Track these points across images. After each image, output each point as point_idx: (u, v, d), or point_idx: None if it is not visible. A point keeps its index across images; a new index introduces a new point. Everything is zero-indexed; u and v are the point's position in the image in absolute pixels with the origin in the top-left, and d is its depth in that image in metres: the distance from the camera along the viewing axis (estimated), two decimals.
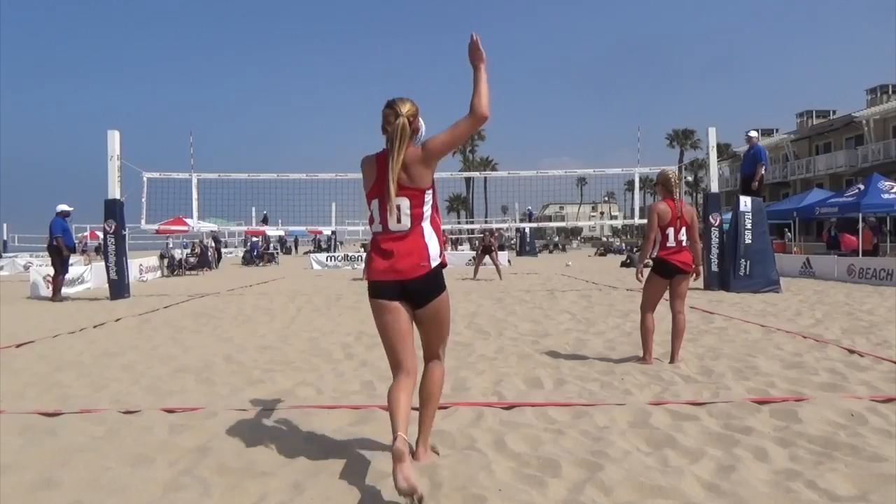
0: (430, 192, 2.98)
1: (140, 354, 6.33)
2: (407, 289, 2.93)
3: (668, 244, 5.21)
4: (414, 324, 3.03)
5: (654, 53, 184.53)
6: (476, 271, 17.28)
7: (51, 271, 12.68)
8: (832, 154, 39.54)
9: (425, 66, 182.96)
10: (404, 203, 2.91)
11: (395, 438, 2.66)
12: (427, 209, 2.95)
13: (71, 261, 16.62)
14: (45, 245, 13.41)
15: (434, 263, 2.93)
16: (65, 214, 12.70)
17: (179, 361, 5.93)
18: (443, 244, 3.05)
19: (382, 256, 2.93)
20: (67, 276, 13.16)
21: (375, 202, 2.98)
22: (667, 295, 5.53)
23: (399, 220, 2.91)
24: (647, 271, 5.54)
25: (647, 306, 5.49)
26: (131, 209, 13.09)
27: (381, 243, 2.96)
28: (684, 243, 5.23)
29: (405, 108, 2.98)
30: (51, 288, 12.45)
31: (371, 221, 3.03)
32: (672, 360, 5.45)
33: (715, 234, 12.44)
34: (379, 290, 2.96)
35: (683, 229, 5.21)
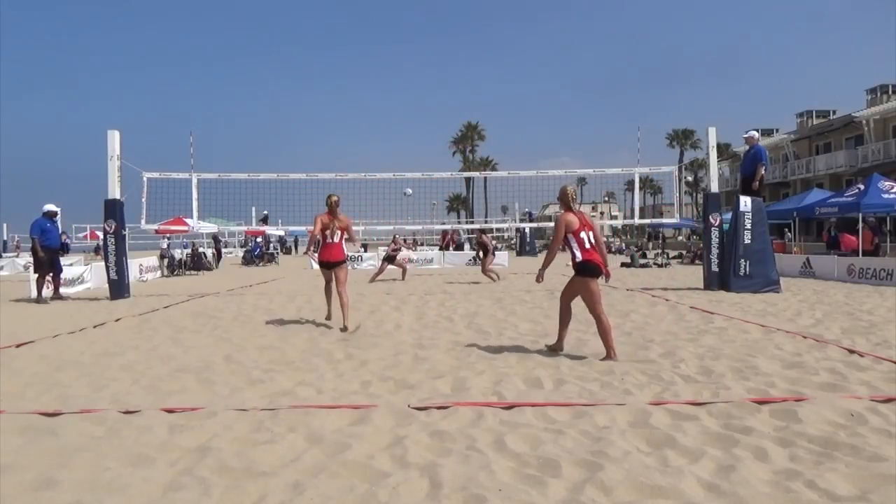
0: (347, 230, 7.81)
1: (140, 354, 6.33)
2: (332, 264, 7.83)
3: (586, 246, 5.66)
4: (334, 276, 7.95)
5: (654, 53, 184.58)
6: (486, 272, 15.52)
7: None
8: (832, 154, 39.57)
9: (426, 68, 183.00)
10: (339, 233, 7.76)
11: (329, 312, 8.44)
12: (343, 235, 7.82)
13: (69, 261, 16.57)
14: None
15: (344, 257, 7.92)
16: (50, 215, 12.27)
17: (179, 361, 5.93)
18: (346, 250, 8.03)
19: (328, 251, 7.80)
20: (64, 276, 13.08)
21: (328, 231, 7.72)
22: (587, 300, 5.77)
23: (335, 238, 7.77)
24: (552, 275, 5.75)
25: (567, 299, 5.93)
26: (131, 209, 13.09)
27: (328, 247, 7.81)
28: (594, 243, 5.72)
29: (336, 198, 7.77)
30: (51, 287, 12.39)
31: (323, 237, 7.79)
32: (611, 356, 5.62)
33: (715, 234, 12.44)
34: (324, 264, 7.91)
35: (591, 233, 5.70)
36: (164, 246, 22.69)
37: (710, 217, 12.56)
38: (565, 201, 5.78)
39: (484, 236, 16.55)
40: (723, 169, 45.43)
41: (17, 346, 6.84)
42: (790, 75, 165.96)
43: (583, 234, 5.63)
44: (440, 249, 29.81)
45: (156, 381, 5.10)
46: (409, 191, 15.57)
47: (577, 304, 5.96)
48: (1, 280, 19.64)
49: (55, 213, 12.46)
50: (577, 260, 5.66)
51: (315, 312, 9.69)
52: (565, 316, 6.02)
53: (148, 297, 12.67)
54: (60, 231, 12.54)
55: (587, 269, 5.62)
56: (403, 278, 16.60)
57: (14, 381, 5.16)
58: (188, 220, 19.50)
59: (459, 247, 31.61)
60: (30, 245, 12.73)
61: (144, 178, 13.28)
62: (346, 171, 14.45)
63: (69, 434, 3.73)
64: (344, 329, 7.51)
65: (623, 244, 45.51)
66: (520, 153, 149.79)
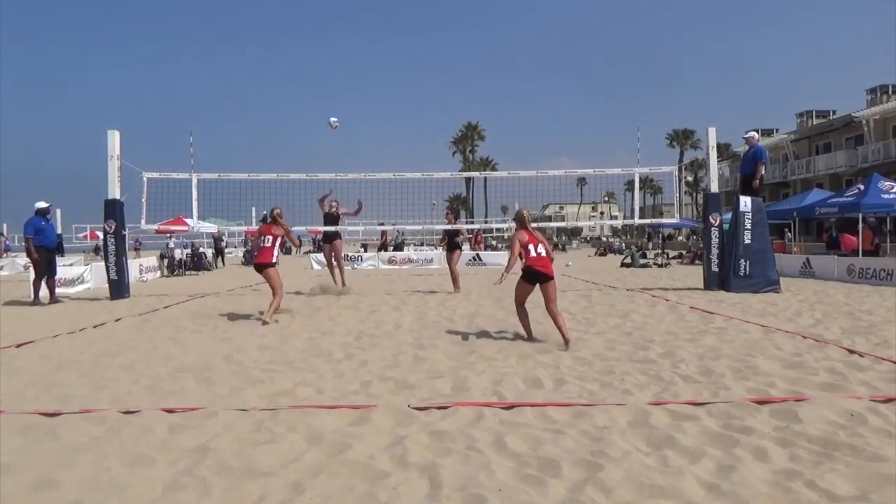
0: (280, 237, 9.00)
1: (140, 354, 6.33)
2: (260, 265, 8.99)
3: (531, 255, 6.75)
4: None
5: (655, 53, 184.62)
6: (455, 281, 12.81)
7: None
8: (832, 154, 39.56)
9: (426, 68, 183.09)
10: (271, 238, 8.94)
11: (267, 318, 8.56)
12: (277, 241, 8.96)
13: (69, 261, 16.51)
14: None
15: (273, 260, 8.92)
16: (43, 212, 11.82)
17: (179, 361, 5.93)
18: (277, 254, 9.03)
19: (257, 254, 9.21)
20: (64, 276, 13.02)
21: (267, 237, 8.96)
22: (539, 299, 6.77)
23: (267, 243, 8.98)
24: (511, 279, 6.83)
25: (519, 301, 7.03)
26: (131, 209, 13.06)
27: (258, 251, 9.28)
28: (543, 254, 6.75)
29: (278, 210, 9.16)
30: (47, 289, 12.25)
31: (261, 241, 9.17)
32: (566, 340, 6.43)
33: (715, 234, 12.43)
34: (256, 266, 9.10)
35: (540, 245, 6.80)
36: (171, 245, 22.70)
37: (710, 217, 12.55)
38: (522, 222, 7.02)
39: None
40: (723, 169, 45.41)
41: (17, 346, 6.84)
42: (790, 75, 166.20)
43: (529, 246, 6.78)
44: (378, 250, 29.20)
45: (156, 381, 5.10)
46: (335, 120, 13.22)
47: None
48: (1, 280, 19.63)
49: (47, 210, 12.01)
50: (524, 265, 6.83)
51: (316, 312, 9.69)
52: (524, 314, 7.10)
53: (148, 297, 12.67)
54: (58, 230, 12.27)
55: (524, 272, 6.80)
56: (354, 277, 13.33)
57: (14, 381, 5.15)
58: (188, 220, 19.50)
59: (398, 247, 31.15)
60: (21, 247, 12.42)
61: (144, 178, 13.25)
62: (347, 172, 14.44)
63: (69, 434, 3.73)
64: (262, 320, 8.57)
65: (623, 244, 45.54)
66: (520, 153, 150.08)
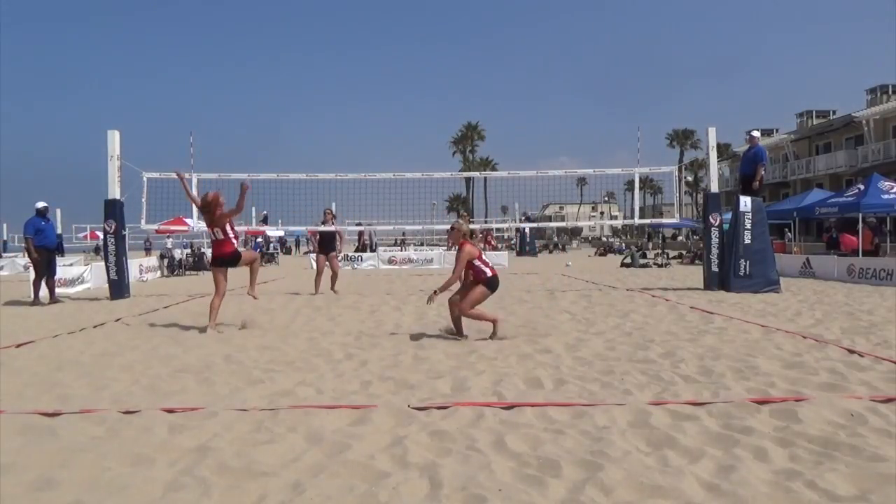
0: (228, 226, 7.89)
1: (140, 354, 6.33)
2: (228, 260, 8.07)
3: (489, 265, 7.01)
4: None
5: (654, 53, 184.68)
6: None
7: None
8: (832, 154, 39.61)
9: (426, 68, 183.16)
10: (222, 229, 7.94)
11: (208, 326, 7.71)
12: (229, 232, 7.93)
13: (69, 261, 16.51)
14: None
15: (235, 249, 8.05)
16: (43, 212, 11.82)
17: (179, 361, 5.93)
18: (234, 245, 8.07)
19: (215, 248, 8.12)
20: (63, 276, 13.00)
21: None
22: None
23: (218, 235, 7.93)
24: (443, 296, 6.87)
25: (478, 306, 6.95)
26: (131, 209, 13.07)
27: (217, 244, 8.04)
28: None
29: (211, 197, 7.85)
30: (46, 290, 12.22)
31: (212, 235, 8.04)
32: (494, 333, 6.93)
33: (715, 234, 12.43)
34: (226, 261, 8.05)
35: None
36: (169, 245, 22.72)
37: (710, 217, 12.56)
38: (466, 235, 7.04)
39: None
40: (723, 169, 45.43)
41: (17, 346, 6.84)
42: (790, 75, 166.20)
43: (484, 259, 7.00)
44: (356, 251, 28.70)
45: (156, 381, 5.10)
46: None
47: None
48: (1, 280, 19.63)
49: (47, 210, 11.99)
50: (489, 276, 6.88)
51: (316, 312, 9.70)
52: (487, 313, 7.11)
53: (148, 297, 12.67)
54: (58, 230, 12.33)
55: (492, 283, 6.90)
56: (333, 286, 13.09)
57: (14, 381, 5.15)
58: (188, 220, 19.50)
59: (373, 248, 30.62)
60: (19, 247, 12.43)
61: (144, 179, 13.26)
62: (347, 172, 14.45)
63: (69, 434, 3.73)
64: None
65: (623, 244, 45.56)
66: (520, 153, 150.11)
